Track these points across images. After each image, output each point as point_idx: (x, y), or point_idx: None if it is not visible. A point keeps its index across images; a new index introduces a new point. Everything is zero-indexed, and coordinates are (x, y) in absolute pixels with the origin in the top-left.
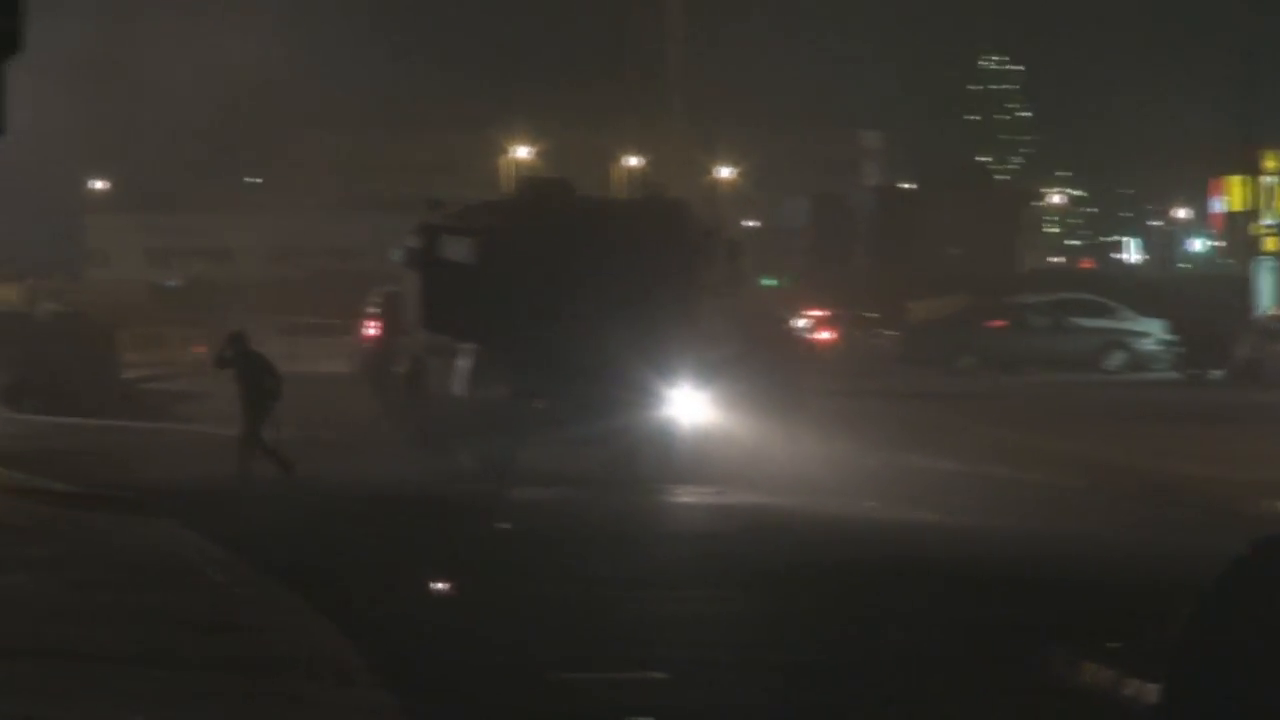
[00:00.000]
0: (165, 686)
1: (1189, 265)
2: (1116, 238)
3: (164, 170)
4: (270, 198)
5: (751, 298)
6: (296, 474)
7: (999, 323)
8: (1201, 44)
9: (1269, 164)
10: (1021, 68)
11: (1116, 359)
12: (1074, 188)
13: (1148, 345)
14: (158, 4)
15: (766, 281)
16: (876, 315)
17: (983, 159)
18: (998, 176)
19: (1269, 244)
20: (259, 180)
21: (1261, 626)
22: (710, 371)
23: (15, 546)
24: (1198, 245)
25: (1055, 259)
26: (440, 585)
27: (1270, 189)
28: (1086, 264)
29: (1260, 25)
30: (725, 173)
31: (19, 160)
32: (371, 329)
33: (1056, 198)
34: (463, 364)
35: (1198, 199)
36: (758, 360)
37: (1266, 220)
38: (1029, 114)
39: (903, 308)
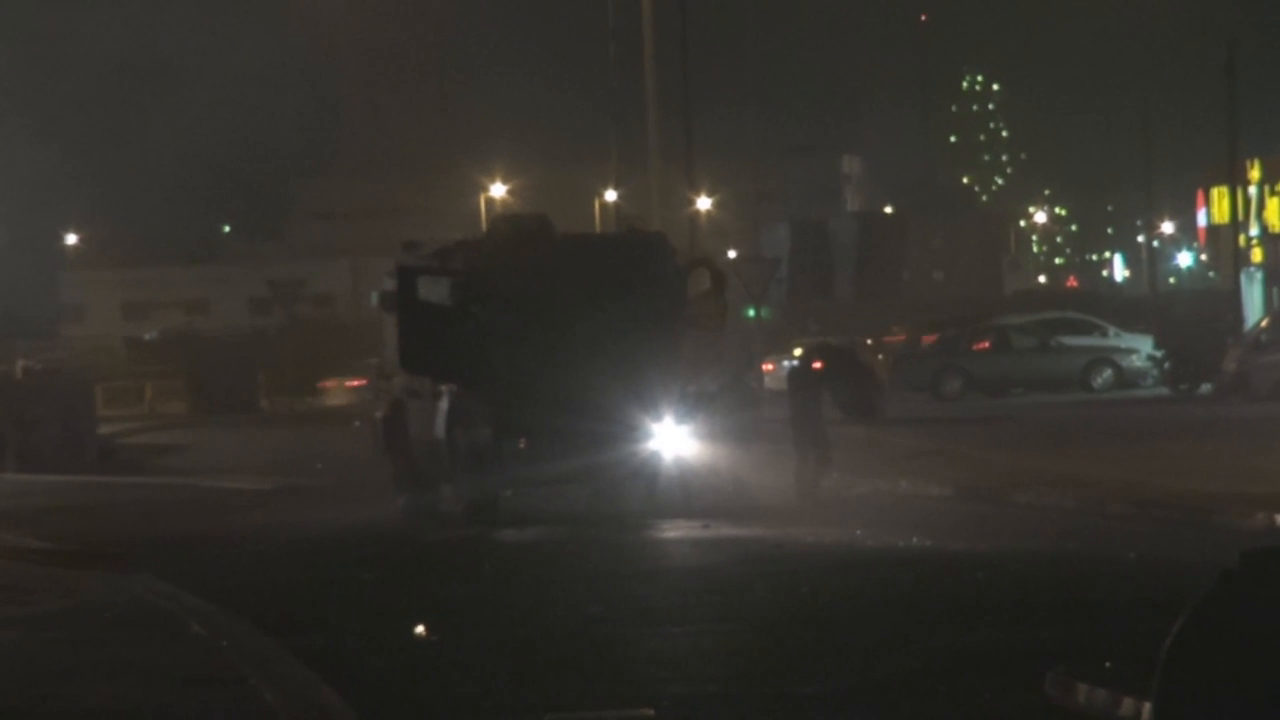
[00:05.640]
0: None
1: (1175, 280)
2: (1104, 254)
3: (140, 223)
4: (247, 245)
5: (736, 329)
6: None
7: (984, 345)
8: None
9: (1254, 175)
10: (996, 87)
11: (1104, 377)
12: (1057, 205)
13: (1135, 362)
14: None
15: (749, 313)
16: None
17: (965, 180)
18: (982, 198)
19: (1256, 255)
20: (228, 229)
21: (1249, 639)
22: (694, 405)
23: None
24: (1185, 260)
25: (1041, 279)
26: (427, 630)
27: (1255, 200)
28: (1071, 283)
29: (1243, 34)
30: (705, 204)
31: None
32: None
33: (1040, 217)
34: (442, 405)
35: (1184, 212)
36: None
37: (1253, 231)
38: (1007, 133)
39: (887, 334)
